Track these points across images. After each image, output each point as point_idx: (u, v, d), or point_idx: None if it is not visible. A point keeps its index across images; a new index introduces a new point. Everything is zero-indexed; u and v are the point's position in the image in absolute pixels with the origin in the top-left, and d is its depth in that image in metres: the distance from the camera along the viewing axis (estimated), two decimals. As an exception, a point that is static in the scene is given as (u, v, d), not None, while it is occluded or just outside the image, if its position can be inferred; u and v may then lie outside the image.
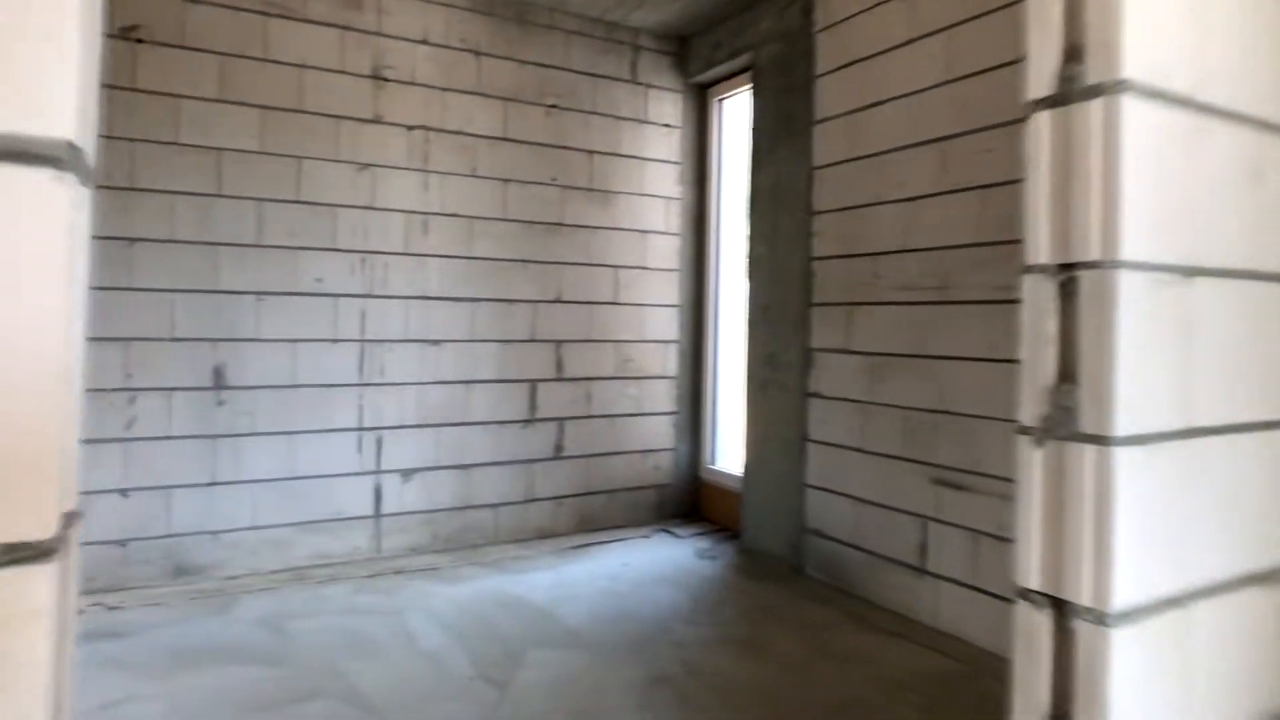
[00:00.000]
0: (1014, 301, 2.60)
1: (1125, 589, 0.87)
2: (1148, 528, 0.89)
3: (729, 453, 4.35)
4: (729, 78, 4.26)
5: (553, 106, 3.94)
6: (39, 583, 0.38)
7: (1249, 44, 1.00)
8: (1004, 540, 2.66)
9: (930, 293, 2.92)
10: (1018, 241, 2.54)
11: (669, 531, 4.09)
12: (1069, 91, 0.86)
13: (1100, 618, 0.86)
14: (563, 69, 3.96)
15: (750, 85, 3.90)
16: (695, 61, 4.29)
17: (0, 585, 0.36)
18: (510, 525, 3.85)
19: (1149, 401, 0.88)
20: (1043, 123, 0.88)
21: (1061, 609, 0.89)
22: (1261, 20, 1.01)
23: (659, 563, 3.59)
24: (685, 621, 2.91)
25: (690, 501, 4.39)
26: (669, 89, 4.31)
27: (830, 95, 3.36)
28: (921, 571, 2.95)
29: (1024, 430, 0.93)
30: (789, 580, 3.39)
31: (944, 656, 2.64)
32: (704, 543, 3.91)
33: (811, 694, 2.36)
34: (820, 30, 3.41)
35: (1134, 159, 0.84)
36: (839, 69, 3.32)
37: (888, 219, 3.09)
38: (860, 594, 3.19)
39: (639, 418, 4.21)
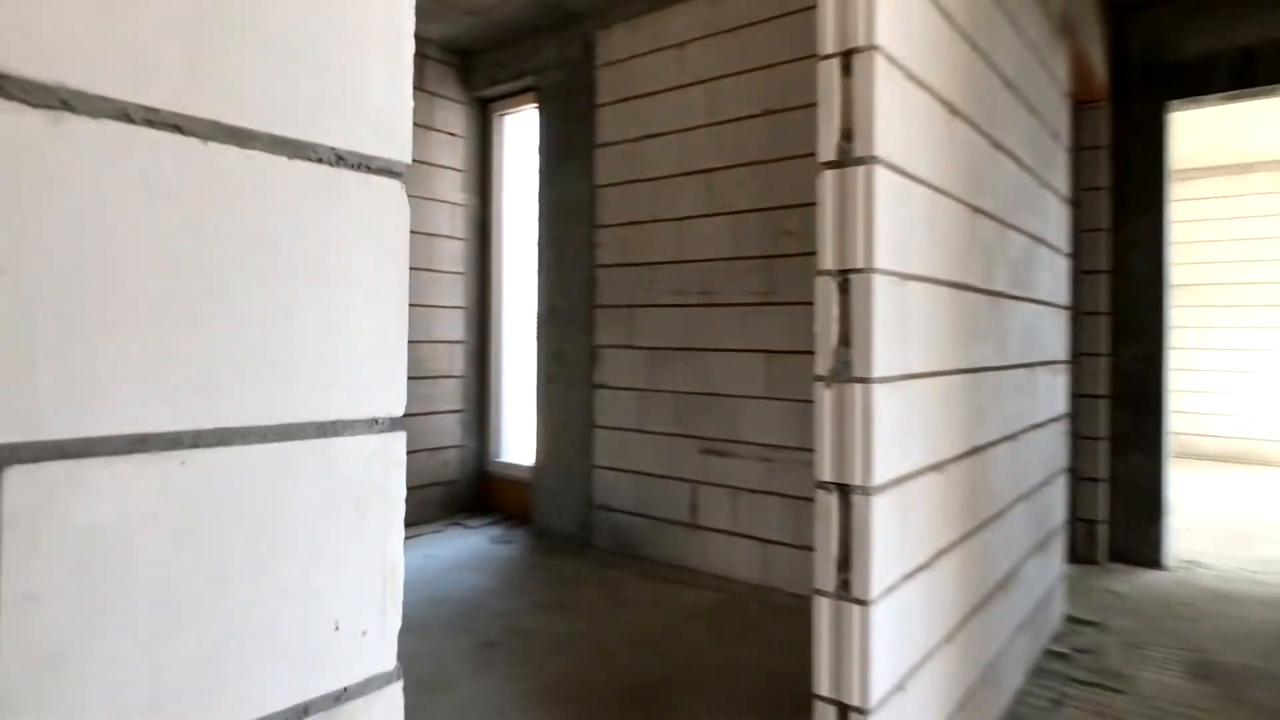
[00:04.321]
0: (765, 304, 3.27)
1: (880, 473, 1.40)
2: (891, 435, 1.44)
3: (517, 446, 4.67)
4: (511, 95, 4.60)
5: (342, 109, 3.99)
6: (400, 443, 0.65)
7: (932, 139, 1.61)
8: (758, 493, 3.30)
9: (698, 296, 3.51)
10: (766, 257, 3.21)
11: (460, 524, 4.31)
12: (845, 159, 1.37)
13: (867, 491, 1.38)
14: (352, 73, 4.03)
15: (535, 104, 4.28)
16: (479, 77, 4.57)
17: (392, 442, 0.64)
18: (302, 524, 3.82)
19: (890, 356, 1.43)
20: (829, 178, 1.39)
21: (845, 490, 1.40)
22: (949, 134, 1.63)
23: (459, 552, 3.82)
24: (498, 596, 3.20)
25: (478, 495, 4.64)
26: (454, 100, 4.54)
27: (610, 124, 3.86)
28: (694, 527, 3.53)
29: (819, 378, 1.43)
30: (581, 552, 3.81)
31: (715, 592, 3.21)
32: (497, 530, 4.20)
33: (617, 633, 2.79)
34: (601, 66, 3.90)
35: (881, 205, 1.38)
36: (618, 102, 3.82)
37: (662, 234, 3.65)
38: (644, 554, 3.71)
39: (428, 417, 4.38)
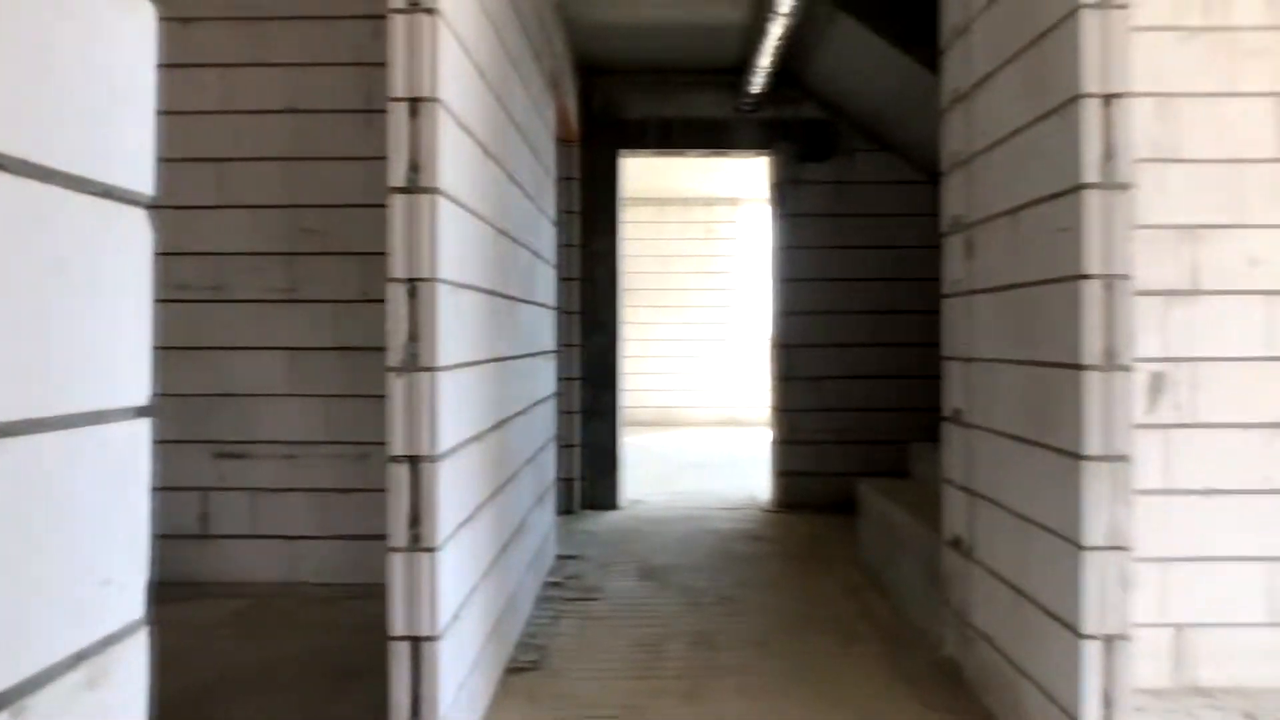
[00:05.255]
0: (287, 301, 3.28)
1: (443, 444, 1.73)
2: (451, 412, 1.78)
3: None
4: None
5: None
6: (148, 427, 0.75)
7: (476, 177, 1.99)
8: (281, 491, 3.31)
9: (209, 292, 3.33)
10: (288, 253, 3.23)
11: None
12: (413, 187, 1.66)
13: (434, 459, 1.70)
14: None
15: None
16: None
17: (143, 426, 0.74)
18: None
19: (450, 349, 1.76)
20: (399, 202, 1.66)
21: (414, 460, 1.69)
22: (484, 170, 2.02)
23: None
24: None
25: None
26: None
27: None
28: (205, 538, 3.34)
29: (392, 369, 1.69)
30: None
31: (239, 599, 3.12)
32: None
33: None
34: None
35: (443, 227, 1.70)
36: (98, 64, 3.35)
37: (163, 223, 3.33)
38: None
39: None
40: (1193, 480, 2.18)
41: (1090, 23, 1.69)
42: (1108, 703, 1.71)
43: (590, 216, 4.70)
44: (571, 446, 4.62)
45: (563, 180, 4.44)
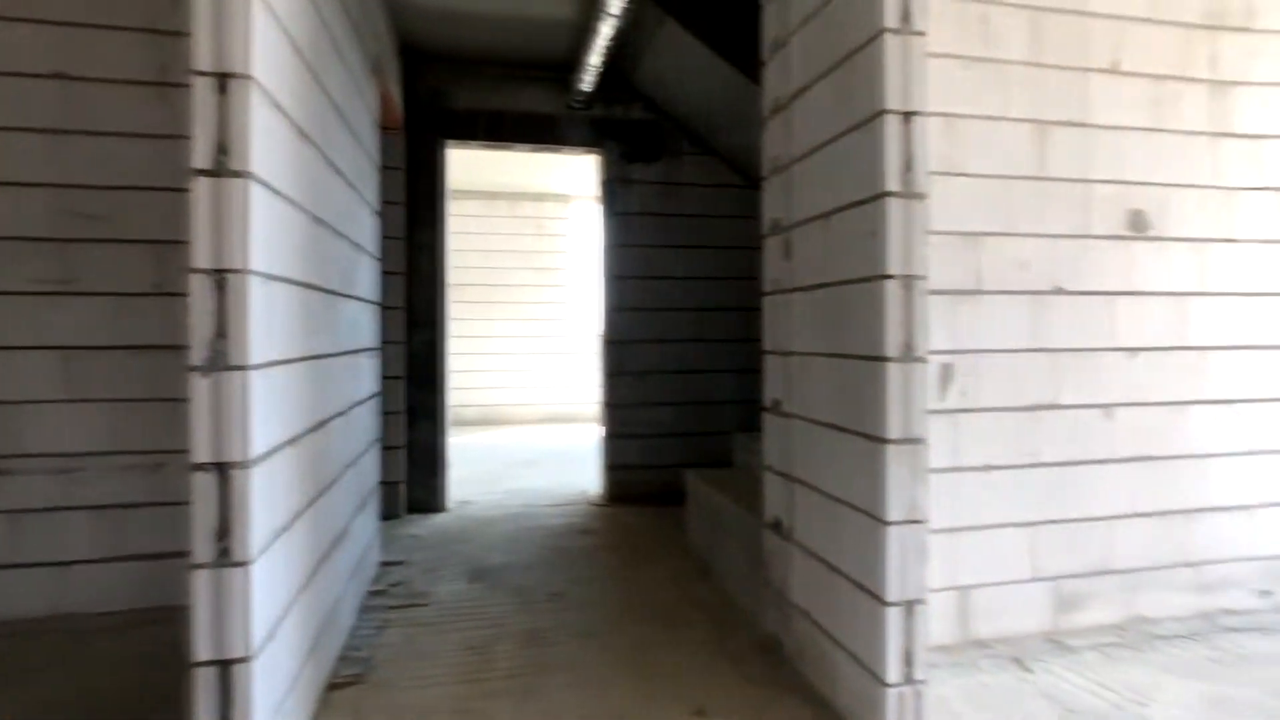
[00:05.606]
0: (60, 294, 2.89)
1: (256, 448, 1.60)
2: (264, 414, 1.64)
3: None
4: None
5: None
6: None
7: (297, 164, 1.85)
8: (52, 511, 2.90)
9: (-44, 279, 2.86)
10: (60, 240, 2.85)
11: None
12: (220, 170, 1.51)
13: (245, 466, 1.56)
14: None
15: None
16: None
17: None
18: None
19: (262, 346, 1.63)
20: (204, 185, 1.51)
21: (223, 467, 1.55)
22: (301, 154, 1.88)
23: None
24: None
25: None
26: None
27: None
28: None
29: (195, 368, 1.53)
30: None
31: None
32: None
33: None
34: None
35: (255, 214, 1.56)
36: None
37: (-111, 194, 2.83)
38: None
39: None
40: (975, 458, 2.47)
41: (893, 46, 1.86)
42: (908, 661, 1.90)
43: (414, 208, 4.52)
44: (395, 448, 4.43)
45: (386, 169, 4.24)
